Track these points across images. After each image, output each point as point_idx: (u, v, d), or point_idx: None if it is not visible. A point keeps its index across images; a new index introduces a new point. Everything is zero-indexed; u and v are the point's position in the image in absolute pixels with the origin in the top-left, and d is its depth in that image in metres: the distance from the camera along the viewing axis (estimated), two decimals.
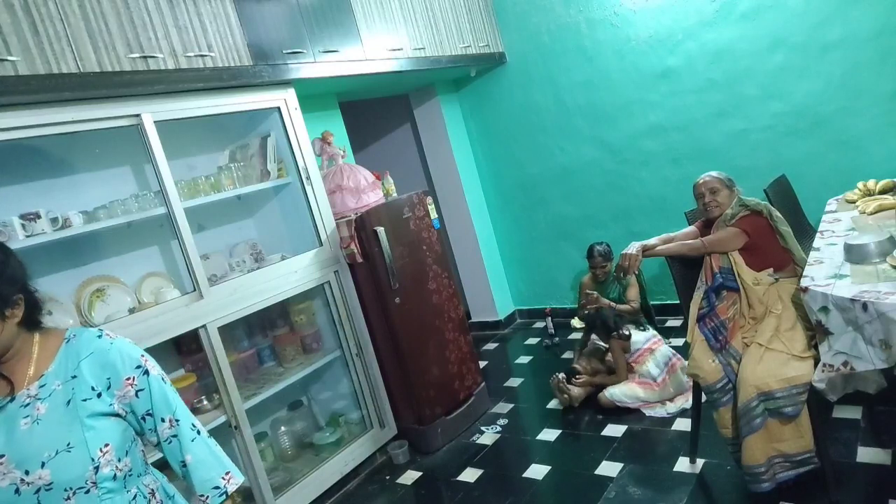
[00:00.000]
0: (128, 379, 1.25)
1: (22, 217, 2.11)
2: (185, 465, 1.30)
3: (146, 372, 1.28)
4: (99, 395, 1.21)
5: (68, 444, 1.16)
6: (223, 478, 1.32)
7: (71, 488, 1.16)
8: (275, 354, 3.05)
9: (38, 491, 1.14)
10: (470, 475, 2.91)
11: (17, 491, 1.13)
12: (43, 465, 1.14)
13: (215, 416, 2.56)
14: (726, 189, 2.46)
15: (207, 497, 1.31)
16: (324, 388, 3.29)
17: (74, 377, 1.21)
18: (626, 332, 3.19)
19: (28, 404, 1.18)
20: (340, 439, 3.10)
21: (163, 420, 1.28)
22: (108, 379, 1.23)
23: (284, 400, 3.11)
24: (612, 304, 3.45)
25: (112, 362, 1.24)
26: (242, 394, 2.67)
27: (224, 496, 1.32)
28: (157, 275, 2.72)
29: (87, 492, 1.17)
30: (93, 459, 1.17)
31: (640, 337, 3.24)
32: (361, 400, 3.19)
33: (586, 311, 3.47)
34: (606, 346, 3.43)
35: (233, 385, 2.58)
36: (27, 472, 1.14)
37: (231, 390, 2.57)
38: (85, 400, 1.20)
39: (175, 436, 1.29)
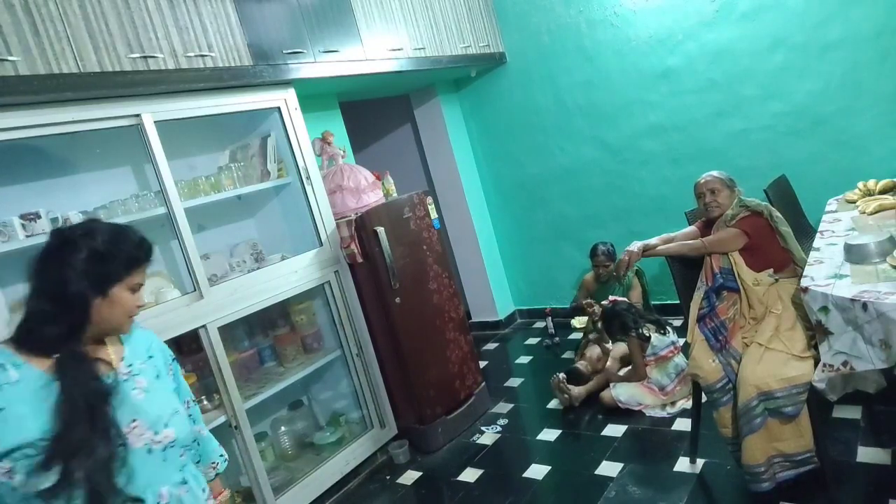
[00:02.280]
0: (170, 363, 1.44)
1: (22, 217, 2.11)
2: (195, 441, 1.47)
3: (175, 359, 1.48)
4: (166, 374, 1.39)
5: (175, 409, 1.32)
6: (220, 447, 1.58)
7: (185, 445, 1.34)
8: (275, 354, 3.05)
9: (164, 448, 1.27)
10: (470, 475, 2.91)
11: (149, 451, 1.24)
12: (166, 425, 1.27)
13: (215, 415, 2.56)
14: (727, 189, 2.46)
15: (217, 463, 1.55)
16: (324, 388, 3.30)
17: (151, 357, 1.37)
18: (646, 334, 3.15)
19: (127, 380, 1.28)
20: (341, 439, 3.11)
21: (185, 401, 1.44)
22: (165, 362, 1.41)
23: (285, 400, 3.11)
24: (617, 299, 3.42)
25: (163, 348, 1.44)
26: (243, 394, 2.67)
27: (226, 462, 1.57)
28: (157, 275, 2.72)
29: (190, 449, 1.38)
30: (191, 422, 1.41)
31: (659, 342, 3.15)
32: (362, 399, 3.19)
33: (601, 306, 3.42)
34: (611, 344, 3.42)
35: (233, 385, 2.58)
36: (156, 433, 1.26)
37: (231, 390, 2.57)
38: (162, 377, 1.37)
39: (190, 415, 1.45)
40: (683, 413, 2.92)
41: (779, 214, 2.40)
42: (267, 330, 3.08)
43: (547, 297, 4.77)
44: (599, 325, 3.45)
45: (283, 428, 3.07)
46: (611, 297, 3.43)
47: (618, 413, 3.08)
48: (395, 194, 3.54)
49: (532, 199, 4.64)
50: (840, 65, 3.35)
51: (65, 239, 1.20)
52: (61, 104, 2.15)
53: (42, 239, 2.10)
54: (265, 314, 2.96)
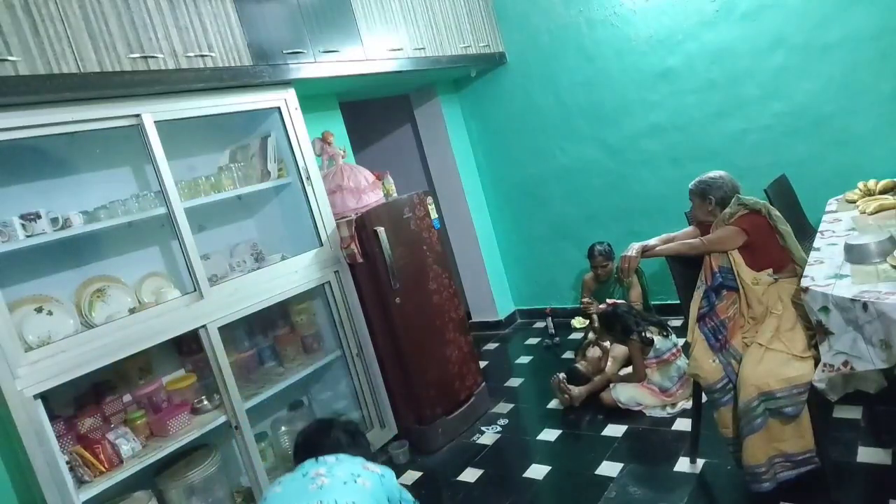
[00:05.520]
0: None
1: (22, 217, 2.11)
2: None
3: None
4: None
5: None
6: None
7: None
8: (275, 354, 3.05)
9: None
10: (470, 475, 2.91)
11: None
12: None
13: (215, 416, 2.56)
14: (697, 198, 2.49)
15: None
16: (324, 388, 3.29)
17: None
18: (649, 337, 3.11)
19: None
20: None
21: None
22: None
23: (285, 400, 3.10)
24: (617, 302, 3.41)
25: None
26: (243, 394, 2.67)
27: None
28: (157, 275, 2.72)
29: None
30: None
31: (662, 345, 3.12)
32: (362, 400, 3.19)
33: (601, 309, 3.41)
34: (611, 346, 3.42)
35: (233, 385, 2.58)
36: None
37: (231, 390, 2.57)
38: None
39: None
40: (683, 413, 2.92)
41: (777, 213, 2.40)
42: (267, 330, 3.07)
43: (547, 297, 4.77)
44: (597, 324, 3.43)
45: (283, 428, 3.07)
46: (609, 301, 3.42)
47: (618, 413, 3.08)
48: (395, 194, 3.54)
49: (532, 198, 4.64)
50: (840, 65, 3.35)
51: None
52: (61, 104, 2.15)
53: (42, 239, 2.12)
54: (265, 314, 2.96)
